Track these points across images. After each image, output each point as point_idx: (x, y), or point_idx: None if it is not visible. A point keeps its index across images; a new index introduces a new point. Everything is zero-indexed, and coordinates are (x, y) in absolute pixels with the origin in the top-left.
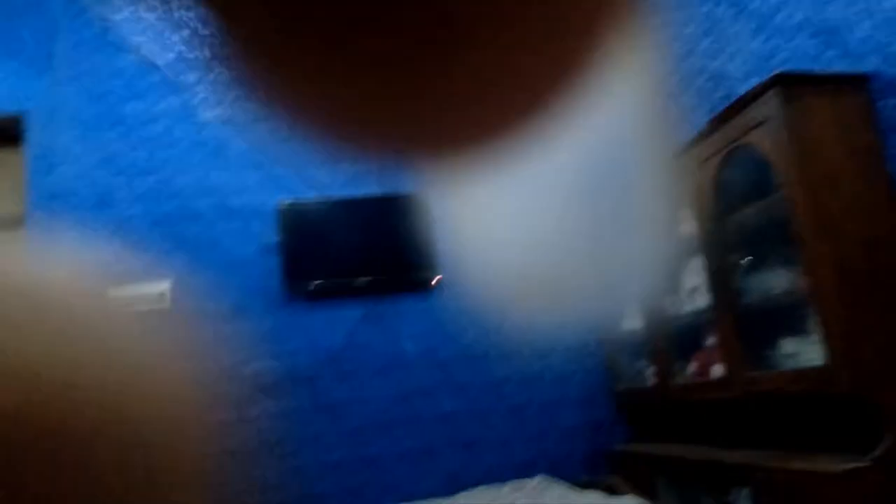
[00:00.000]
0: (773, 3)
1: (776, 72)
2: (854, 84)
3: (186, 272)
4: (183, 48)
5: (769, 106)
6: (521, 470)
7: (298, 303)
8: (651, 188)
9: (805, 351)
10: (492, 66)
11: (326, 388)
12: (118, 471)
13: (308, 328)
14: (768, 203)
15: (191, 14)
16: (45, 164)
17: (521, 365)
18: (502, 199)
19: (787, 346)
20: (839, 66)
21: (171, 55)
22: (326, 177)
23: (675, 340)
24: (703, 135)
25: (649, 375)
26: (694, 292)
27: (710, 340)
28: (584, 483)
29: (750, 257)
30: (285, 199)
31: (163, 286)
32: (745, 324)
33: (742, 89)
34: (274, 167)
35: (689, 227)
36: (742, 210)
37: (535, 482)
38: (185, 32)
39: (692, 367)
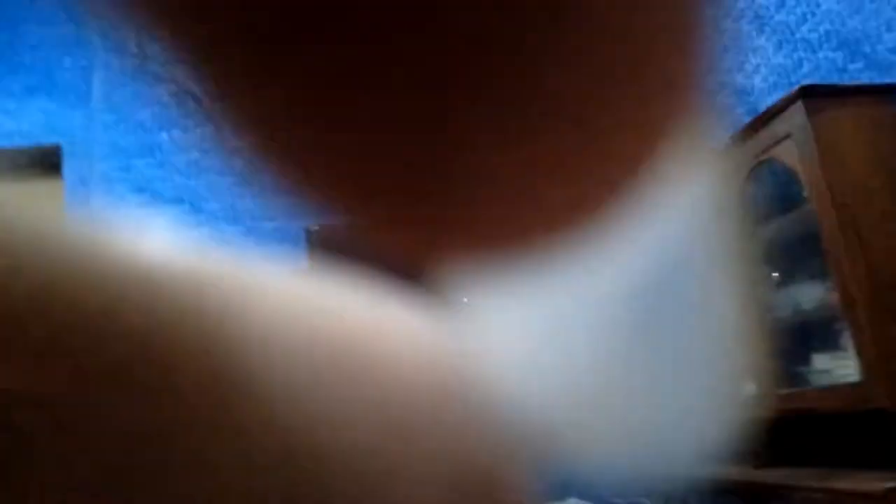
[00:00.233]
0: (796, 17)
1: (800, 84)
2: (880, 95)
3: None
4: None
5: (794, 119)
6: (554, 492)
7: None
8: (722, 321)
9: (839, 367)
10: (541, 160)
11: None
12: None
13: None
14: (796, 217)
15: (175, 70)
16: (83, 193)
17: None
18: (539, 316)
19: (821, 362)
20: (864, 78)
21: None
22: None
23: None
24: (728, 150)
25: None
26: None
27: None
28: None
29: (777, 273)
30: (314, 224)
31: None
32: (776, 340)
33: (766, 103)
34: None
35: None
36: (769, 225)
37: None
38: (170, 87)
39: None
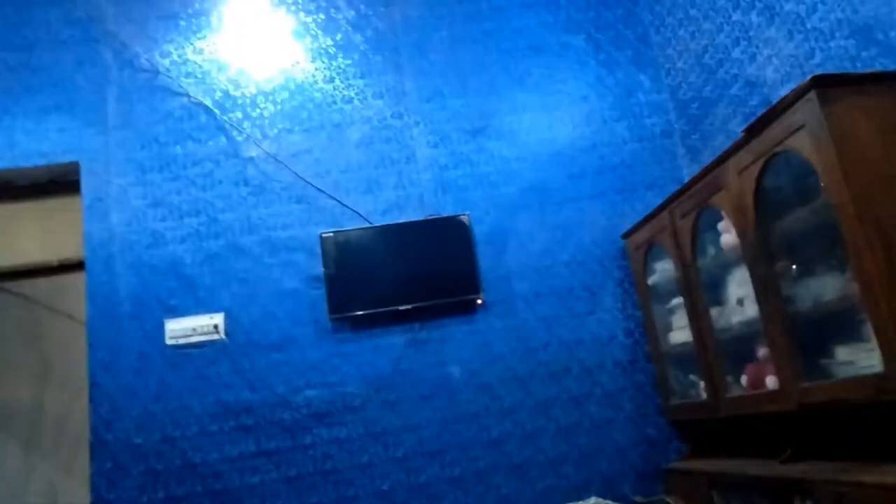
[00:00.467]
0: (806, 6)
1: (812, 75)
2: (894, 82)
3: (237, 305)
4: (229, 86)
5: (807, 110)
6: (575, 492)
7: (345, 332)
8: None
9: (862, 358)
10: None
11: (375, 415)
12: None
13: (355, 357)
14: (813, 209)
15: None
16: (100, 209)
17: (569, 384)
18: None
19: (843, 353)
20: (878, 65)
21: (219, 94)
22: (368, 204)
23: (725, 353)
24: (741, 143)
25: (701, 390)
26: (741, 303)
27: (762, 352)
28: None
29: (795, 265)
30: (328, 231)
31: (217, 319)
32: (797, 333)
33: (779, 95)
34: (316, 199)
35: (731, 237)
36: (786, 217)
37: None
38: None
39: (745, 379)
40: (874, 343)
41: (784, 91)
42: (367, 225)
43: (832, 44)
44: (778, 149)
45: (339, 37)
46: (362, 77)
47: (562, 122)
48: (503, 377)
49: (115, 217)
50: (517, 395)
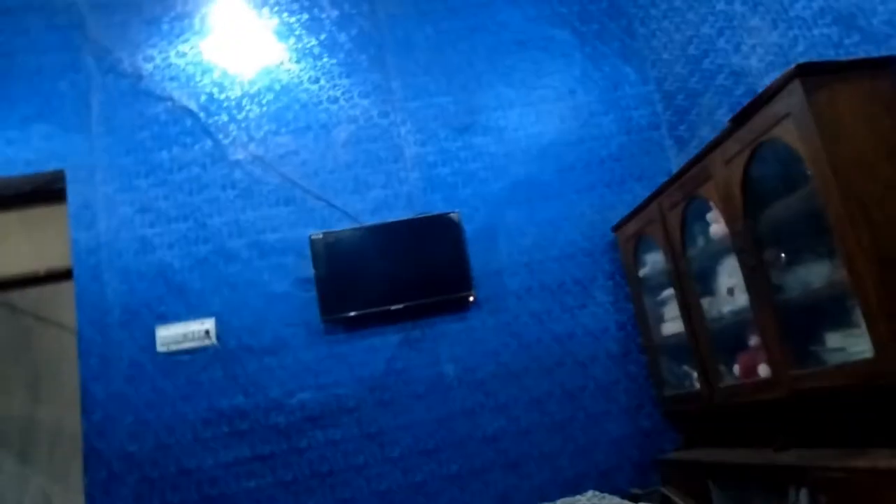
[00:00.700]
0: None
1: (796, 63)
2: (878, 68)
3: (228, 310)
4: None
5: (792, 98)
6: (571, 486)
7: (337, 333)
8: None
9: (852, 344)
10: None
11: (370, 416)
12: None
13: (348, 358)
14: (800, 196)
15: None
16: (87, 217)
17: (562, 378)
18: None
19: (833, 340)
20: (861, 52)
21: (203, 97)
22: (357, 204)
23: (717, 342)
24: (728, 133)
25: (694, 380)
26: (732, 292)
27: (754, 340)
28: (636, 496)
29: (784, 254)
30: (317, 232)
31: (208, 324)
32: (787, 321)
33: (763, 84)
34: (304, 201)
35: (719, 227)
36: (774, 206)
37: (587, 498)
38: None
39: (737, 368)
40: (864, 328)
41: (769, 80)
42: (357, 225)
43: (815, 32)
44: (764, 138)
45: (323, 36)
46: (348, 76)
47: (549, 116)
48: (497, 373)
49: (103, 224)
50: (511, 391)
